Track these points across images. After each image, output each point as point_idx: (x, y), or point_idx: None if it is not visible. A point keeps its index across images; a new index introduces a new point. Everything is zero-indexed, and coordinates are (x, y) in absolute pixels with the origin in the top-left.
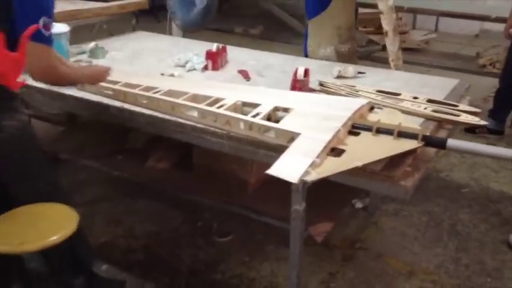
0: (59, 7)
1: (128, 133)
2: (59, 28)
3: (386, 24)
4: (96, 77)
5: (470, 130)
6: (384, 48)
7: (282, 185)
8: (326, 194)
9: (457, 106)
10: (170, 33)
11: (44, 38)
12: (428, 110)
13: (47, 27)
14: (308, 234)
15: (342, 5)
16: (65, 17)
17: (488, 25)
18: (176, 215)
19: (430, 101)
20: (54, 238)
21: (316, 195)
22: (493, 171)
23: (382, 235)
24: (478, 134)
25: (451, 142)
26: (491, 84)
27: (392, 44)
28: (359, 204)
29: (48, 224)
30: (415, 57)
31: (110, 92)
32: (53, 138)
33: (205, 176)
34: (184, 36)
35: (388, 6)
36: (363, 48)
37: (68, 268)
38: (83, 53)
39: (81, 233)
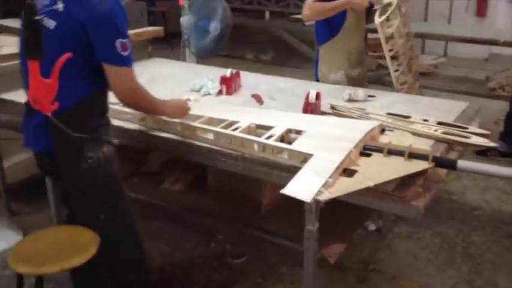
0: None
1: (145, 156)
2: None
3: (386, 50)
4: (180, 109)
5: (482, 153)
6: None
7: (295, 206)
8: (339, 216)
9: (467, 128)
10: (184, 60)
11: (122, 59)
12: (439, 132)
13: (124, 47)
14: (321, 256)
15: (352, 32)
16: None
17: (497, 49)
18: (190, 237)
19: (440, 123)
20: (74, 260)
21: (329, 217)
22: (505, 193)
23: (395, 257)
24: (489, 157)
25: (461, 163)
26: (501, 107)
27: (391, 67)
28: (372, 227)
29: (70, 247)
30: (425, 81)
31: (130, 116)
32: None
33: (219, 197)
34: (197, 62)
35: (386, 35)
36: (373, 72)
37: None
38: None
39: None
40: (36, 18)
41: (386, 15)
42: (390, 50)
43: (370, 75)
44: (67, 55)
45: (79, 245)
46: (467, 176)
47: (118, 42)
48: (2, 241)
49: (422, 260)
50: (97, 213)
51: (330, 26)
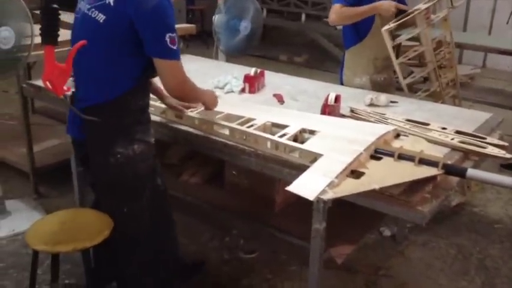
0: None
1: (167, 149)
2: None
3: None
4: (212, 101)
5: (508, 167)
6: (425, 80)
7: (307, 205)
8: (350, 218)
9: (485, 139)
10: (216, 58)
11: (172, 53)
12: (455, 140)
13: (173, 41)
14: (329, 256)
15: (379, 37)
16: None
17: None
18: (206, 229)
19: (458, 132)
20: (87, 242)
21: (340, 219)
22: None
23: (407, 264)
24: None
25: (471, 171)
26: None
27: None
28: (387, 232)
29: (84, 228)
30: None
31: (152, 109)
32: None
33: (235, 193)
34: (228, 60)
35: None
36: (404, 79)
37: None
38: None
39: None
40: (54, 6)
41: (394, 25)
42: (405, 57)
43: (407, 82)
44: (82, 42)
45: (94, 228)
46: (492, 188)
47: (167, 37)
48: (28, 221)
49: (435, 269)
50: (120, 206)
51: (358, 31)
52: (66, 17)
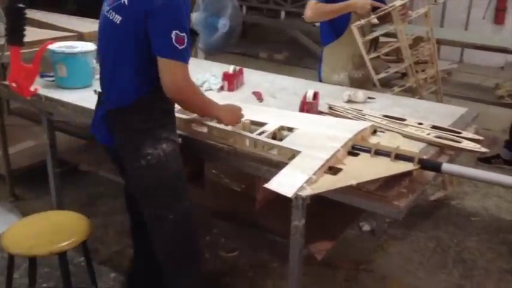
0: (89, 27)
1: None
2: (87, 47)
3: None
4: (232, 115)
5: (486, 160)
6: (404, 75)
7: (287, 202)
8: (329, 214)
9: (460, 133)
10: (195, 56)
11: (175, 52)
12: (431, 135)
13: (180, 40)
14: (309, 253)
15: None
16: (95, 37)
17: None
18: None
19: (434, 127)
20: (64, 244)
21: (319, 215)
22: (506, 201)
23: (387, 258)
24: (493, 164)
25: (446, 166)
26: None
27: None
28: (366, 227)
29: (61, 231)
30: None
31: None
32: (76, 150)
33: (215, 192)
34: (207, 58)
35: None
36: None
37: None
38: None
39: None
40: (19, 5)
41: (364, 21)
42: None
43: (379, 78)
44: (48, 42)
45: (71, 231)
46: (469, 182)
47: (174, 34)
48: (4, 225)
49: (414, 262)
50: (163, 213)
51: (335, 27)
52: (39, 15)
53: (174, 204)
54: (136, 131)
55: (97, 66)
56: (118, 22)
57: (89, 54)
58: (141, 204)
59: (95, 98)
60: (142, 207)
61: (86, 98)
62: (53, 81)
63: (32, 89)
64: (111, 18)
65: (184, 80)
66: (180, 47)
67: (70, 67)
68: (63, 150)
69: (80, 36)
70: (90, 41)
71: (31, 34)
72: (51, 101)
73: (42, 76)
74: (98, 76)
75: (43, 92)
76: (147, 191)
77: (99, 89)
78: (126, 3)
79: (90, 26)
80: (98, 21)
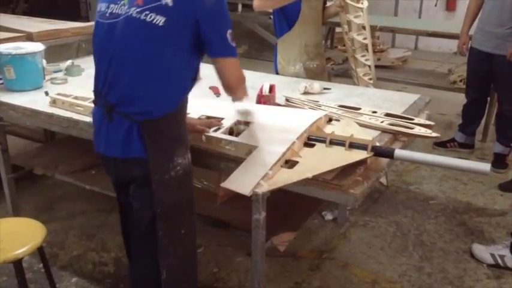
0: (39, 27)
1: None
2: (35, 47)
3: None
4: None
5: (441, 144)
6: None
7: (248, 197)
8: (290, 205)
9: (412, 119)
10: None
11: (234, 51)
12: (385, 123)
13: (233, 38)
14: (272, 245)
15: (308, 24)
16: (44, 37)
17: None
18: None
19: (388, 115)
20: (18, 252)
21: (280, 207)
22: (462, 183)
23: (349, 245)
24: (448, 148)
25: (399, 152)
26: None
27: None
28: (329, 216)
29: (16, 238)
30: (390, 74)
31: (81, 108)
32: (30, 154)
33: None
34: None
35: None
36: (339, 66)
37: None
38: (59, 71)
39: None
40: None
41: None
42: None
43: (336, 68)
44: None
45: (26, 238)
46: (426, 167)
47: (228, 33)
48: None
49: (376, 248)
50: (179, 227)
51: (286, 19)
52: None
53: (188, 219)
54: (173, 140)
55: (48, 67)
56: (161, 24)
57: (37, 54)
58: (159, 219)
59: (46, 99)
60: (161, 225)
61: (37, 100)
62: (1, 84)
63: None
64: (148, 20)
65: (241, 74)
66: (234, 44)
67: (18, 69)
68: (16, 154)
69: (29, 37)
70: (39, 41)
71: None
72: (0, 105)
73: None
74: (50, 77)
75: None
76: (171, 208)
77: (49, 91)
78: (170, 4)
79: (40, 25)
80: (49, 20)
